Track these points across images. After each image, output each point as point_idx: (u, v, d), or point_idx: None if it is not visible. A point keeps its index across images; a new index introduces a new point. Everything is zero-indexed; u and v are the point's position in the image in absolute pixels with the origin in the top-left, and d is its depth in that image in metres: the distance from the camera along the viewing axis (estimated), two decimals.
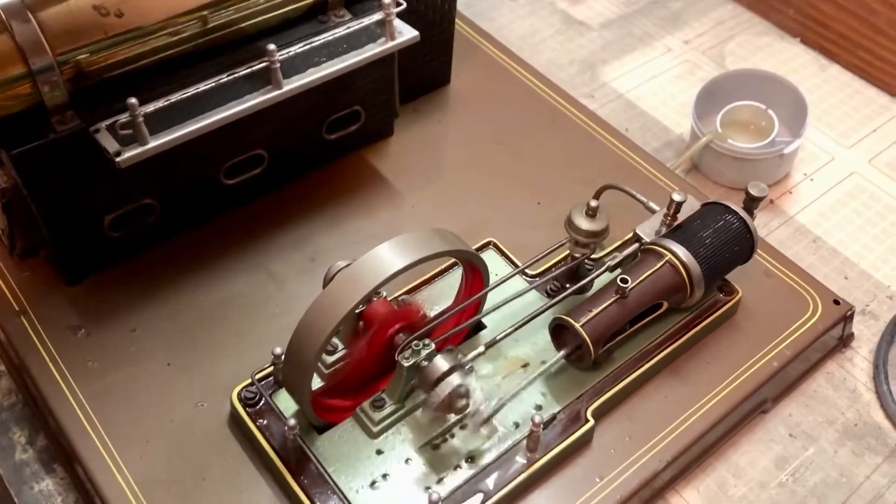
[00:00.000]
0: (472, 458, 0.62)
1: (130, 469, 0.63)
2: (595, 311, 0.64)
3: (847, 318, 0.75)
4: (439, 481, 0.61)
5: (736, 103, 0.93)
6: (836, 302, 0.75)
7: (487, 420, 0.62)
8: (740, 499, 0.67)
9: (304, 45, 0.71)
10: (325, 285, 0.61)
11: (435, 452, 0.62)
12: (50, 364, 0.68)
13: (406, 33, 0.74)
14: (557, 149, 0.87)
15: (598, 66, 1.05)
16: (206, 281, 0.75)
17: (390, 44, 0.73)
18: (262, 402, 0.64)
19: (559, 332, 0.66)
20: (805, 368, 0.75)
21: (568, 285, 0.70)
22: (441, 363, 0.59)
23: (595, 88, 1.02)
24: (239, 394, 0.65)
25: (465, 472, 0.61)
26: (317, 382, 0.63)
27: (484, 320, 0.69)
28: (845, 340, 0.77)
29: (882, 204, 0.91)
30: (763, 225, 0.87)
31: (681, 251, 0.66)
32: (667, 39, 1.10)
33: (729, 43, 1.09)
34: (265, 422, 0.63)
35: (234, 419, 0.65)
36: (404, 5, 0.73)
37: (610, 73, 1.05)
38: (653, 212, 0.72)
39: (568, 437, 0.63)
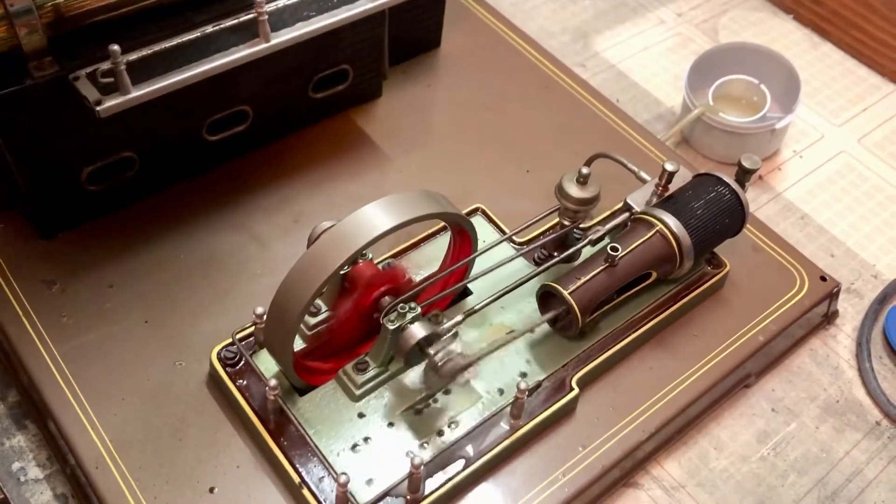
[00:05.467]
0: (454, 424, 0.61)
1: (105, 427, 0.61)
2: (584, 279, 0.63)
3: (833, 295, 0.75)
4: (422, 446, 0.60)
5: (728, 77, 0.92)
6: (823, 278, 0.75)
7: (466, 367, 0.60)
8: (721, 472, 0.67)
9: None
10: (309, 246, 0.60)
11: (418, 417, 0.61)
12: (23, 318, 0.67)
13: None
14: (548, 117, 0.86)
15: (591, 36, 1.04)
16: (186, 238, 0.73)
17: (382, 0, 0.71)
18: (243, 361, 0.63)
19: (546, 299, 0.65)
20: (789, 344, 0.75)
21: (556, 253, 0.69)
22: (417, 330, 0.58)
23: (587, 58, 1.01)
24: (218, 353, 0.63)
25: (447, 437, 0.61)
26: (299, 344, 0.61)
27: (470, 287, 0.68)
28: (830, 317, 0.77)
29: (870, 184, 0.90)
30: (751, 201, 0.86)
31: (672, 221, 0.66)
32: (660, 11, 1.08)
33: (722, 17, 1.08)
34: (245, 382, 0.62)
35: (213, 379, 0.64)
36: None
37: (602, 43, 1.03)
38: (644, 182, 0.71)
39: (552, 405, 0.63)
